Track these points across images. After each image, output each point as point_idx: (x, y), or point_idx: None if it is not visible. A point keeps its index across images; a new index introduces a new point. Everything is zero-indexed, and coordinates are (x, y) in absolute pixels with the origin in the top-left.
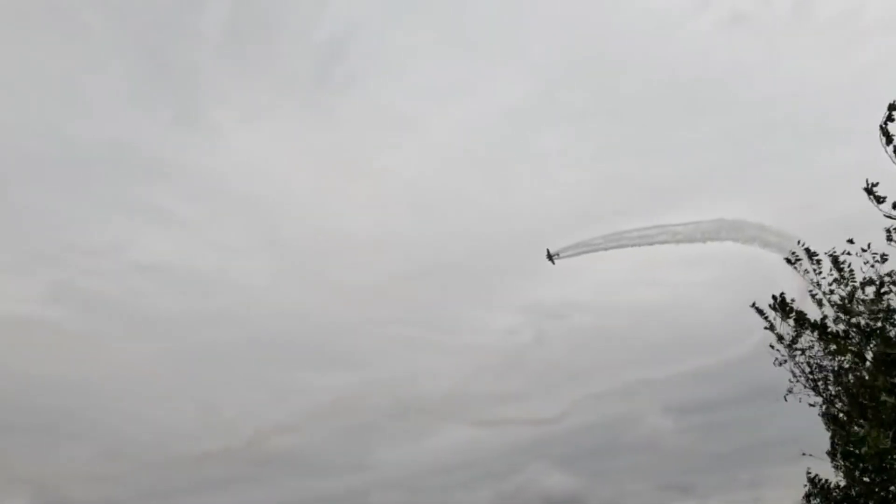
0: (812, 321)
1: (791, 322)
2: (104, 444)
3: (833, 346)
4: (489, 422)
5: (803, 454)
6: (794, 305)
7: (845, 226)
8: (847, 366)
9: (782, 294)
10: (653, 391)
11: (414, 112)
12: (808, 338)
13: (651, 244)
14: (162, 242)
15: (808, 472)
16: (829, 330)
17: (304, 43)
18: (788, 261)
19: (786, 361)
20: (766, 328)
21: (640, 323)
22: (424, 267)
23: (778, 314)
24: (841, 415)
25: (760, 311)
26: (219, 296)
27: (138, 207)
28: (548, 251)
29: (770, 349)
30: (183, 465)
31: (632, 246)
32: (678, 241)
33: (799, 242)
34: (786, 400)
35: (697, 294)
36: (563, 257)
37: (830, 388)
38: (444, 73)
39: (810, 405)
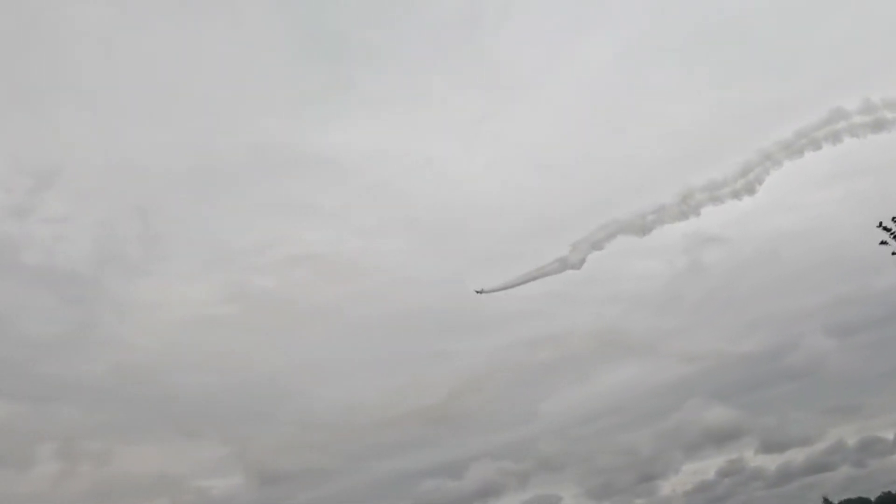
0: None
1: None
2: (300, 420)
3: None
4: (648, 359)
5: None
6: None
7: None
8: None
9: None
10: (812, 315)
11: (524, 69)
12: None
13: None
14: (309, 233)
15: None
16: None
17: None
18: None
19: None
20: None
21: (787, 248)
22: (553, 223)
23: None
24: None
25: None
26: (366, 277)
27: (283, 204)
28: (475, 290)
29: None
30: (370, 431)
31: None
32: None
33: None
34: None
35: (838, 213)
36: (488, 292)
37: None
38: (546, 24)
39: None
